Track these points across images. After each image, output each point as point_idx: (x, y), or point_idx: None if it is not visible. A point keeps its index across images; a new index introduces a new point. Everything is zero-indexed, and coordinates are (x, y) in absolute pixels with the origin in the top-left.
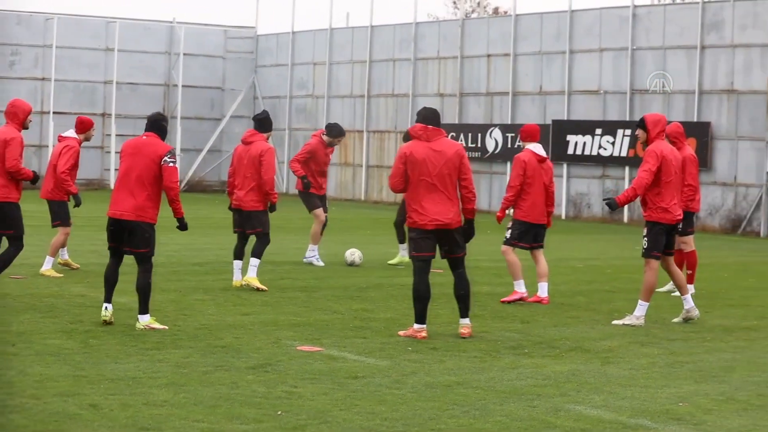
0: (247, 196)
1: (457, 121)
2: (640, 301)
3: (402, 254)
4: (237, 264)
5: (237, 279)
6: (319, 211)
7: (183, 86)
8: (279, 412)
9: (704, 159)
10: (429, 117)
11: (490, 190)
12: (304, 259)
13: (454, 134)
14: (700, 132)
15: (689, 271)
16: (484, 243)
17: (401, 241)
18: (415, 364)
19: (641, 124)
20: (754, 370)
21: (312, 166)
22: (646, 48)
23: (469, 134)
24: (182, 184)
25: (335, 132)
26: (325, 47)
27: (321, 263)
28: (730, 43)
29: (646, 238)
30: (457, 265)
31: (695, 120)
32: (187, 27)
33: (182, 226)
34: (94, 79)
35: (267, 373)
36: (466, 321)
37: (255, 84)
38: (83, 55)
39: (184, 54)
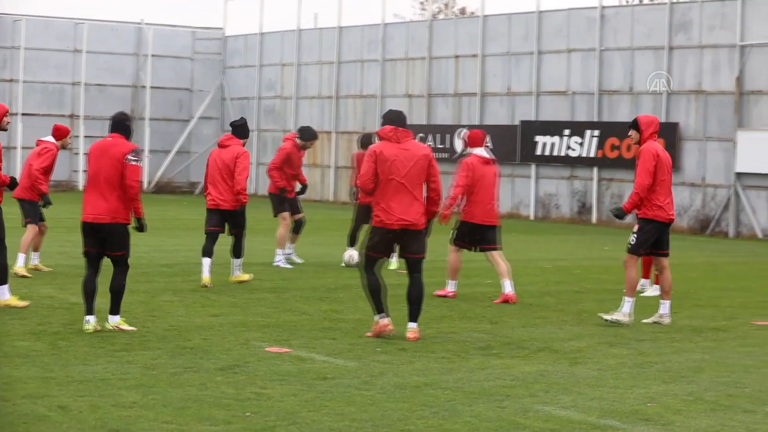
0: (222, 195)
1: (425, 122)
2: (625, 298)
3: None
4: (206, 261)
5: (206, 276)
6: (286, 214)
7: (151, 87)
8: (248, 414)
9: (673, 159)
10: (395, 119)
11: None
12: (273, 263)
13: (422, 135)
14: (668, 132)
15: (657, 272)
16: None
17: (350, 244)
18: (384, 365)
19: (634, 125)
20: (722, 370)
21: (287, 171)
22: (614, 49)
23: (438, 135)
24: (151, 185)
25: (308, 135)
26: (293, 48)
27: (289, 266)
28: (698, 44)
29: (635, 235)
30: (415, 267)
31: (663, 120)
32: (155, 28)
33: (140, 227)
34: (62, 80)
35: (236, 375)
36: (413, 325)
37: (223, 85)
38: (51, 57)
39: (152, 55)
